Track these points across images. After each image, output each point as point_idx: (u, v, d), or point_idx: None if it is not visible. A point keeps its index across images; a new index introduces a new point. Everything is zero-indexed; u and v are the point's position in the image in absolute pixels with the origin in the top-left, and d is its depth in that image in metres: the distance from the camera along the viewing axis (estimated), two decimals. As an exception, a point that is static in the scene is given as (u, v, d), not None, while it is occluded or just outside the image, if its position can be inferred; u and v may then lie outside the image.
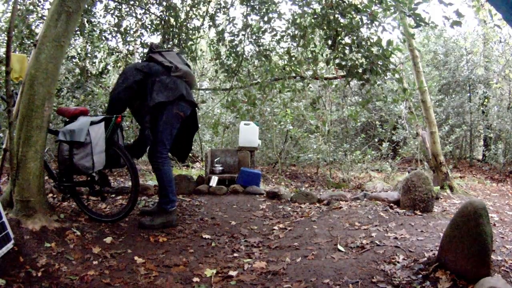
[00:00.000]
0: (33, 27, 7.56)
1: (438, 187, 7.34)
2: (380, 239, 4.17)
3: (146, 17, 8.71)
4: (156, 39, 13.17)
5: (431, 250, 3.72)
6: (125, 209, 4.89)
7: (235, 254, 4.03)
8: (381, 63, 6.15)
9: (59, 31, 4.14)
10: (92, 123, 4.56)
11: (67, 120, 4.79)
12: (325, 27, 6.56)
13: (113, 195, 6.30)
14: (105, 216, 5.03)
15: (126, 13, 8.75)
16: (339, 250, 3.99)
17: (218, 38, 8.59)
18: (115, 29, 8.62)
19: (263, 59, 8.38)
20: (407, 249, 3.85)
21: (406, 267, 3.41)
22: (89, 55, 8.97)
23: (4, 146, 4.76)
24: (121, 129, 5.18)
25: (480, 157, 15.17)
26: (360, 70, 6.31)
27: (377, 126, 12.44)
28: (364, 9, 6.02)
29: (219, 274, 3.52)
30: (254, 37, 8.45)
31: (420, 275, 3.19)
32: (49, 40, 4.09)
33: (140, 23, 8.76)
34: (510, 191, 8.95)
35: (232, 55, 8.61)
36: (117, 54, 9.07)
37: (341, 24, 6.30)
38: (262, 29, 8.23)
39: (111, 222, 4.83)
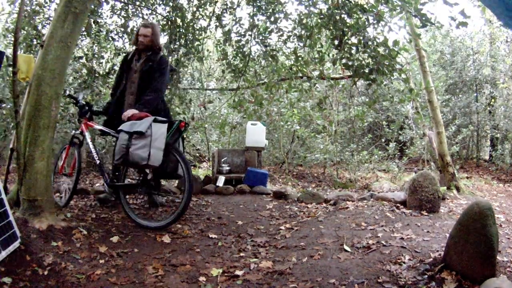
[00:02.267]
0: (39, 28, 7.59)
1: (445, 187, 7.31)
2: (386, 240, 4.17)
3: (153, 18, 8.71)
4: (162, 39, 13.19)
5: (437, 251, 3.71)
6: (175, 214, 4.76)
7: (242, 254, 4.04)
8: (387, 63, 6.13)
9: (66, 31, 4.16)
10: (156, 120, 4.75)
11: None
12: (331, 27, 6.55)
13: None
14: (153, 221, 4.97)
15: (132, 14, 8.76)
16: (345, 250, 3.99)
17: (225, 39, 8.59)
18: (122, 29, 8.63)
19: (270, 59, 8.37)
20: (413, 249, 3.84)
21: (412, 267, 3.40)
22: (96, 55, 8.98)
23: (11, 146, 4.79)
24: (182, 137, 5.31)
25: (487, 157, 15.10)
26: (366, 70, 6.30)
27: (384, 126, 12.41)
28: (370, 9, 6.00)
29: (225, 274, 3.52)
30: (260, 37, 8.44)
31: (426, 276, 3.18)
32: (56, 40, 4.12)
33: (146, 23, 8.76)
34: (517, 192, 8.92)
35: (239, 55, 8.61)
36: (124, 54, 9.08)
37: (347, 24, 6.29)
38: (269, 29, 8.22)
39: (159, 228, 4.70)
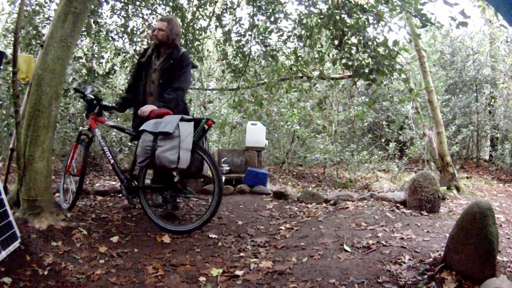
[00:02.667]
0: (39, 28, 7.59)
1: (445, 187, 7.30)
2: (386, 240, 4.17)
3: (153, 18, 8.72)
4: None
5: (437, 251, 3.71)
6: (204, 218, 4.65)
7: (242, 254, 4.04)
8: (387, 63, 6.13)
9: (66, 31, 4.16)
10: (183, 119, 4.52)
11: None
12: (331, 27, 6.55)
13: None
14: (179, 225, 4.82)
15: (132, 14, 8.77)
16: (345, 250, 3.99)
17: (225, 39, 8.60)
18: (122, 29, 8.64)
19: (270, 59, 8.37)
20: (413, 249, 3.84)
21: (412, 267, 3.40)
22: (96, 55, 8.99)
23: (11, 146, 4.79)
24: (205, 135, 5.00)
25: (487, 157, 15.10)
26: (366, 70, 6.30)
27: (384, 126, 12.41)
28: (370, 9, 6.01)
29: (225, 274, 3.52)
30: (260, 37, 8.45)
31: (426, 276, 3.18)
32: (56, 40, 4.12)
33: (146, 23, 8.77)
34: (517, 192, 8.93)
35: (239, 55, 8.62)
36: (123, 54, 9.08)
37: (347, 24, 6.29)
38: (269, 29, 8.23)
39: (186, 232, 4.59)
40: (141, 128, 4.49)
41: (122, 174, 4.97)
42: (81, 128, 5.46)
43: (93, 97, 5.19)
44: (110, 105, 5.35)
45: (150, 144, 4.35)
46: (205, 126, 4.79)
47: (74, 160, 5.38)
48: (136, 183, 4.90)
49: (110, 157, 5.04)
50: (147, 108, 4.79)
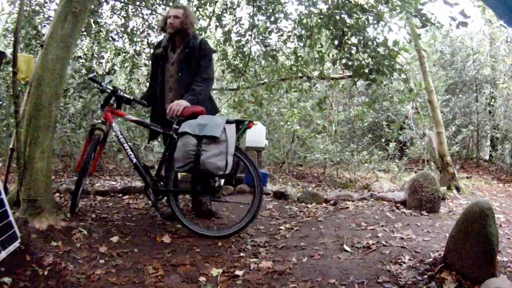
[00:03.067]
0: (39, 28, 7.60)
1: (445, 187, 7.31)
2: (386, 239, 4.17)
3: (153, 18, 8.74)
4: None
5: (437, 251, 3.71)
6: (245, 220, 4.43)
7: (242, 254, 4.03)
8: (387, 63, 6.14)
9: (66, 31, 4.15)
10: (228, 121, 4.19)
11: (182, 119, 4.34)
12: (331, 27, 6.56)
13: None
14: (213, 230, 4.62)
15: (132, 14, 8.79)
16: (345, 250, 3.99)
17: (225, 39, 8.60)
18: (122, 29, 8.65)
19: (270, 59, 8.39)
20: (413, 249, 3.84)
21: (412, 267, 3.40)
22: (95, 55, 9.00)
23: (11, 146, 4.79)
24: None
25: (487, 157, 15.14)
26: (366, 70, 6.31)
27: (384, 126, 12.42)
28: (370, 9, 6.01)
29: (225, 274, 3.51)
30: (260, 37, 8.46)
31: (426, 276, 3.18)
32: (56, 40, 4.11)
33: (146, 23, 8.78)
34: (517, 192, 8.93)
35: (239, 55, 8.63)
36: (124, 54, 9.09)
37: (347, 24, 6.29)
38: (269, 29, 8.24)
39: (223, 237, 4.37)
40: (181, 130, 4.15)
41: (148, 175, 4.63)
42: (94, 121, 4.82)
43: (111, 88, 4.62)
44: (132, 97, 4.83)
45: (193, 149, 4.00)
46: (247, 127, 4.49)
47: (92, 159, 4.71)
48: (162, 185, 4.61)
49: (132, 155, 4.66)
50: (179, 106, 4.38)
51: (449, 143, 10.85)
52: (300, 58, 7.97)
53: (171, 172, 4.57)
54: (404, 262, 3.53)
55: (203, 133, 4.01)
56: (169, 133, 4.50)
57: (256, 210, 4.38)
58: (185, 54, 4.77)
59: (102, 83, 4.61)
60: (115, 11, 8.57)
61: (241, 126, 4.41)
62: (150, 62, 5.23)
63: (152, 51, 5.19)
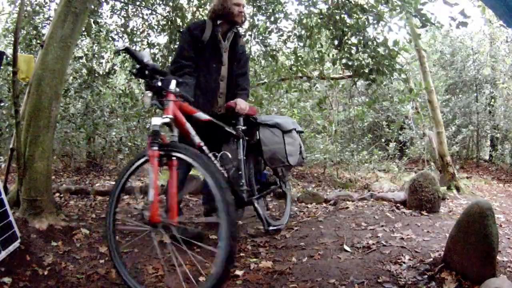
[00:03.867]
0: (39, 28, 7.60)
1: (445, 187, 7.30)
2: (386, 239, 4.16)
3: (153, 18, 8.74)
4: (162, 39, 13.20)
5: (437, 251, 3.71)
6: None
7: (242, 254, 4.03)
8: (387, 63, 6.14)
9: (66, 32, 4.16)
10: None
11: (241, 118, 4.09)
12: (331, 27, 6.56)
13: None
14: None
15: (132, 14, 8.78)
16: (345, 250, 3.98)
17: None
18: (122, 29, 8.65)
19: (270, 59, 8.39)
20: (413, 249, 3.84)
21: (412, 267, 3.40)
22: (96, 55, 9.00)
23: (11, 146, 4.79)
24: None
25: (487, 157, 15.12)
26: (366, 70, 6.31)
27: (384, 126, 12.41)
28: (370, 9, 6.02)
29: (225, 274, 3.51)
30: (260, 37, 8.46)
31: (426, 276, 3.18)
32: (56, 40, 4.12)
33: (146, 23, 8.78)
34: (517, 192, 8.92)
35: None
36: (124, 54, 9.09)
37: (347, 24, 6.30)
38: (269, 29, 8.24)
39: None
40: (295, 128, 4.20)
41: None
42: (152, 120, 2.95)
43: (157, 67, 3.09)
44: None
45: (300, 144, 4.15)
46: None
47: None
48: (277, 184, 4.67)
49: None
50: (245, 105, 4.07)
51: (449, 143, 10.85)
52: (300, 58, 7.98)
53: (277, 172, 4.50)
54: (404, 262, 3.53)
55: (298, 129, 4.24)
56: (239, 135, 4.09)
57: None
58: (237, 54, 4.37)
59: (144, 60, 3.05)
60: (115, 11, 8.57)
61: None
62: (182, 42, 4.23)
63: (187, 30, 4.21)
